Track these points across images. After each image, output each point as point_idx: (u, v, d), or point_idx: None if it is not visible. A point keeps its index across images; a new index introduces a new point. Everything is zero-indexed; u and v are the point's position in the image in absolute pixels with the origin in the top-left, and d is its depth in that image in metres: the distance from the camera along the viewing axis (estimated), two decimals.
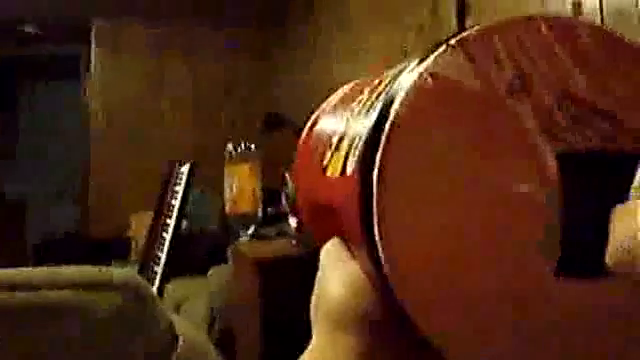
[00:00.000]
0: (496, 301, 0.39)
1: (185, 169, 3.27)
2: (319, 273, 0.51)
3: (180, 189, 3.24)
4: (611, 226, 0.38)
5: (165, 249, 3.22)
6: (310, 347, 0.48)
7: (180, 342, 1.36)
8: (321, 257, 0.52)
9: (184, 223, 3.41)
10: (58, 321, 1.16)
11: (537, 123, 0.40)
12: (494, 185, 0.39)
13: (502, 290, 0.39)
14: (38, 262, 5.81)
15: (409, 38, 3.30)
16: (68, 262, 1.25)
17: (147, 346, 1.28)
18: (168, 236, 3.25)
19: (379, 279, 0.40)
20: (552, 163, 0.39)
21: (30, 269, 1.21)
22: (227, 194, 2.48)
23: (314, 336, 0.49)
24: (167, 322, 1.36)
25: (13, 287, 1.15)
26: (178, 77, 5.84)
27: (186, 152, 4.99)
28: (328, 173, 0.52)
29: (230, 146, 2.43)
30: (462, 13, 2.64)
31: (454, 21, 2.76)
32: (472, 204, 0.39)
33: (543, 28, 0.41)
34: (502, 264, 0.39)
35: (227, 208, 2.48)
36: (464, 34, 0.41)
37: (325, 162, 0.53)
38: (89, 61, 5.88)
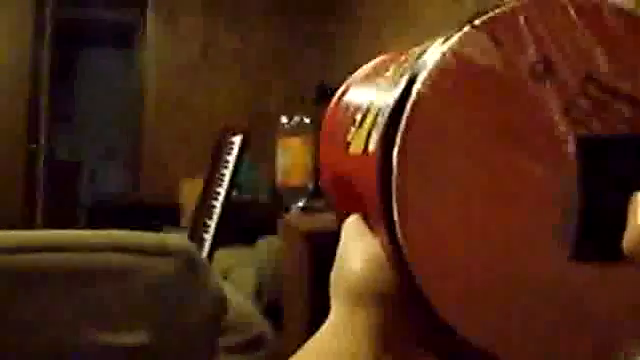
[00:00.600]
0: (511, 283, 0.39)
1: (237, 139, 3.29)
2: (339, 248, 0.51)
3: (232, 159, 3.27)
4: (630, 212, 0.37)
5: (215, 217, 3.26)
6: (328, 320, 0.49)
7: (230, 309, 1.39)
8: (342, 232, 0.52)
9: (235, 192, 3.44)
10: (112, 283, 1.20)
11: (559, 107, 0.39)
12: (512, 167, 0.39)
13: (517, 272, 0.39)
14: (90, 224, 5.92)
15: (467, 12, 3.26)
16: (119, 226, 1.28)
17: (197, 311, 1.32)
18: (218, 205, 3.28)
19: (396, 257, 0.41)
20: (571, 147, 0.39)
21: (87, 232, 1.25)
22: (279, 166, 2.49)
23: (332, 309, 0.49)
24: (218, 289, 1.39)
25: (72, 249, 1.19)
26: (231, 45, 5.86)
27: (237, 120, 5.01)
28: (351, 149, 0.52)
29: (284, 118, 2.43)
30: None
31: None
32: (490, 185, 0.39)
33: (569, 8, 0.40)
34: (517, 246, 0.39)
35: (278, 180, 2.49)
36: (489, 14, 0.40)
37: (349, 138, 0.53)
38: (144, 28, 5.94)
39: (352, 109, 0.57)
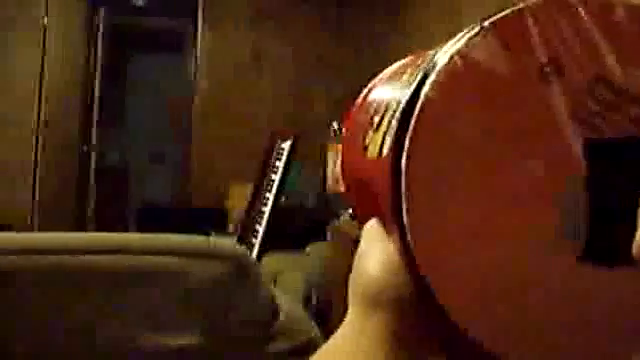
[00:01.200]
0: (521, 284, 0.39)
1: (287, 145, 3.31)
2: (358, 250, 0.52)
3: (281, 164, 3.29)
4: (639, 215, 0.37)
5: (264, 222, 3.28)
6: (345, 321, 0.50)
7: (280, 314, 1.39)
8: (361, 236, 0.53)
9: (283, 198, 3.45)
10: (163, 285, 1.21)
11: (567, 108, 0.39)
12: (520, 169, 0.39)
13: (526, 273, 0.39)
14: (139, 227, 6.00)
15: None
16: (168, 229, 1.29)
17: (248, 315, 1.31)
18: (267, 209, 3.30)
19: (408, 260, 0.41)
20: (579, 149, 0.38)
21: (138, 235, 1.25)
22: (330, 172, 2.49)
23: (349, 311, 0.50)
24: (268, 294, 1.39)
25: (123, 251, 1.19)
26: (279, 51, 5.89)
27: (285, 126, 5.03)
28: (368, 153, 0.51)
29: (335, 124, 2.43)
30: None
31: None
32: (498, 187, 0.39)
33: (579, 8, 0.39)
34: (526, 247, 0.39)
35: (329, 186, 2.49)
36: (498, 16, 0.40)
37: (367, 141, 0.53)
38: (195, 34, 6.01)
39: (371, 111, 0.57)
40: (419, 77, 0.41)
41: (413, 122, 0.39)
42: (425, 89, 0.39)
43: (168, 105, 7.12)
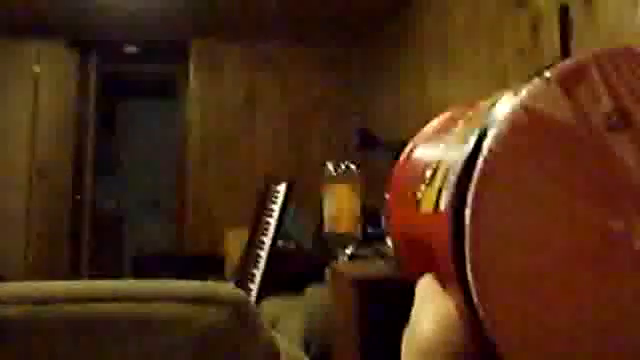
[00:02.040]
0: (597, 350, 0.37)
1: (282, 188, 3.30)
2: (413, 309, 0.50)
3: (276, 208, 3.28)
4: None
5: (261, 266, 3.26)
6: None
7: (281, 359, 1.37)
8: (415, 292, 0.51)
9: (279, 241, 3.44)
10: (165, 332, 1.19)
11: (636, 158, 0.37)
12: (591, 224, 0.37)
13: (604, 338, 0.37)
14: (135, 274, 5.97)
15: (509, 60, 3.25)
16: (164, 275, 1.27)
17: None
18: (264, 254, 3.29)
19: (472, 320, 0.39)
20: None
21: (137, 282, 1.24)
22: (326, 213, 2.48)
23: None
24: (269, 339, 1.37)
25: (122, 298, 1.18)
26: (272, 94, 5.94)
27: (280, 167, 5.05)
28: (422, 208, 0.50)
29: (330, 165, 2.43)
30: (565, 33, 2.58)
31: (556, 41, 2.70)
32: (569, 244, 0.37)
33: None
34: (603, 310, 0.37)
35: (326, 227, 2.48)
36: (559, 66, 0.39)
37: (419, 196, 0.51)
38: (186, 79, 6.05)
39: (421, 166, 0.55)
40: (478, 130, 0.41)
41: (476, 176, 0.38)
42: (487, 142, 0.38)
43: (162, 151, 7.13)
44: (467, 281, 0.38)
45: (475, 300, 0.37)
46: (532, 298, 0.37)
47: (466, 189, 0.38)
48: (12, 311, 1.08)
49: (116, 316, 1.15)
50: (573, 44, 2.61)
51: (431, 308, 0.47)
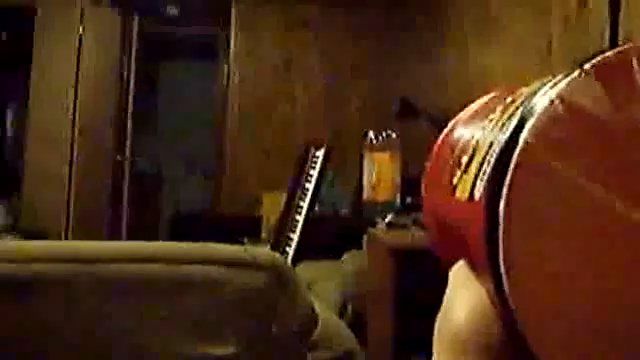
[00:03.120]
0: (625, 341, 0.37)
1: (320, 153, 3.30)
2: (446, 294, 0.50)
3: (315, 173, 3.28)
4: None
5: (297, 231, 3.28)
6: None
7: (319, 324, 1.38)
8: (449, 279, 0.51)
9: (316, 206, 3.45)
10: (205, 294, 1.20)
11: None
12: (625, 217, 0.37)
13: (632, 330, 0.37)
14: (171, 236, 6.04)
15: (554, 29, 3.19)
16: (200, 238, 1.28)
17: (287, 325, 1.30)
18: (301, 218, 3.30)
19: (503, 310, 0.39)
20: None
21: (178, 244, 1.25)
22: (366, 181, 2.48)
23: (435, 358, 0.48)
24: (308, 304, 1.38)
25: (163, 260, 1.19)
26: (310, 59, 5.91)
27: (317, 133, 5.04)
28: (457, 194, 0.50)
29: (371, 133, 2.42)
30: (615, 5, 2.52)
31: (605, 13, 2.64)
32: (602, 236, 0.37)
33: None
34: (631, 300, 0.37)
35: (365, 195, 2.49)
36: (599, 58, 0.38)
37: (455, 181, 0.51)
38: (226, 42, 6.05)
39: (458, 151, 0.55)
40: (515, 121, 0.40)
41: (512, 167, 0.38)
42: (524, 134, 0.38)
43: (201, 113, 7.16)
44: (499, 271, 0.38)
45: (506, 290, 0.37)
46: (563, 289, 0.37)
47: (502, 180, 0.38)
48: (53, 269, 1.10)
49: (156, 277, 1.16)
50: (622, 15, 2.55)
51: (465, 296, 0.47)
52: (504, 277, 0.37)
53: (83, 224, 5.38)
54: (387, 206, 2.44)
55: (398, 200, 2.47)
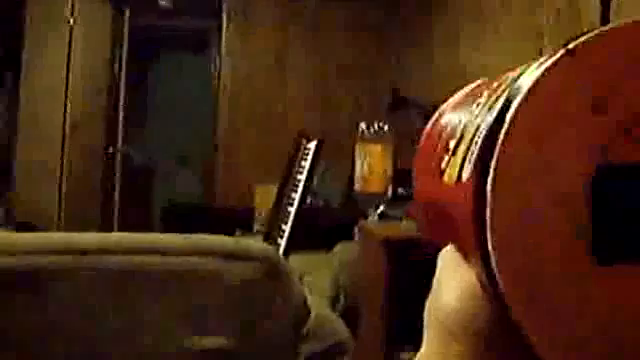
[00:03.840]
0: (609, 313, 0.38)
1: (312, 145, 3.31)
2: (435, 278, 0.51)
3: (306, 164, 3.29)
4: None
5: (289, 222, 3.28)
6: (421, 351, 0.48)
7: (311, 316, 1.39)
8: (438, 263, 0.51)
9: (308, 198, 3.45)
10: (198, 285, 1.21)
11: (602, 142, 0.38)
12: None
13: (615, 305, 0.38)
14: (165, 227, 6.03)
15: (545, 23, 3.19)
16: (192, 230, 1.29)
17: (280, 317, 1.32)
18: (293, 209, 3.30)
19: (491, 289, 0.39)
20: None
21: (172, 235, 1.26)
22: (358, 172, 2.49)
23: (425, 343, 0.48)
24: (300, 296, 1.39)
25: (158, 251, 1.20)
26: (303, 53, 5.91)
27: (310, 126, 5.04)
28: (445, 178, 0.50)
29: (363, 125, 2.43)
30: None
31: (595, 5, 2.65)
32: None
33: None
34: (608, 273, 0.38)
35: (357, 186, 2.49)
36: (583, 38, 0.39)
37: (443, 166, 0.52)
38: (219, 35, 6.04)
39: (445, 136, 0.56)
40: (502, 101, 0.41)
41: (499, 145, 0.38)
42: (510, 112, 0.38)
43: (194, 106, 7.15)
44: (487, 249, 0.38)
45: (494, 268, 0.38)
46: (549, 267, 0.37)
47: (489, 158, 0.38)
48: (48, 261, 1.10)
49: (151, 269, 1.17)
50: (613, 7, 2.56)
51: (454, 279, 0.47)
52: (492, 255, 0.38)
53: (75, 218, 5.37)
54: (379, 197, 2.45)
55: (390, 191, 2.48)
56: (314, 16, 5.90)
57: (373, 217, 2.45)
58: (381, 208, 2.45)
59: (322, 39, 5.90)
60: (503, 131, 0.38)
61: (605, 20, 2.45)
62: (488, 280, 0.39)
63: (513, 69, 0.50)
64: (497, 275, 0.38)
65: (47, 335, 1.09)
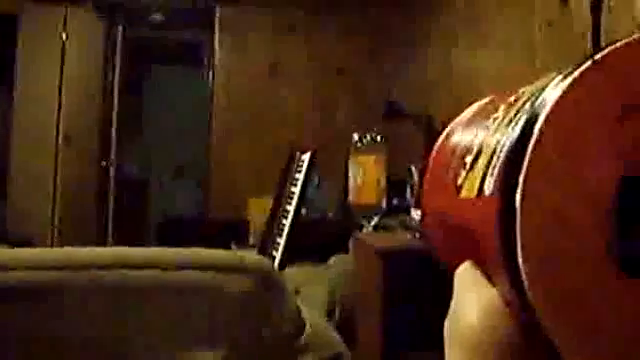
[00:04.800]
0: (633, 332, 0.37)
1: (306, 157, 3.31)
2: (453, 297, 0.50)
3: (301, 177, 3.29)
4: None
5: (284, 234, 3.28)
6: None
7: (306, 328, 1.39)
8: (455, 281, 0.51)
9: (303, 210, 3.45)
10: (192, 299, 1.21)
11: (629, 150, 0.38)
12: None
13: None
14: (158, 241, 6.02)
15: (537, 32, 3.21)
16: (188, 242, 1.29)
17: (274, 329, 1.31)
18: (287, 222, 3.30)
19: (521, 306, 0.39)
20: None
21: (166, 249, 1.26)
22: (352, 184, 2.49)
23: None
24: (295, 308, 1.39)
25: (152, 266, 1.20)
26: (296, 62, 5.91)
27: (304, 137, 5.05)
28: (462, 193, 0.50)
29: (356, 136, 2.43)
30: (597, 7, 2.54)
31: (586, 15, 2.66)
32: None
33: None
34: None
35: (351, 197, 2.49)
36: (609, 48, 0.38)
37: (459, 182, 0.51)
38: (211, 47, 6.04)
39: (460, 152, 0.55)
40: (527, 113, 0.40)
41: (528, 158, 0.38)
42: (538, 125, 0.38)
43: (187, 119, 7.15)
44: (515, 264, 0.37)
45: (524, 283, 0.37)
46: (584, 280, 0.37)
47: (516, 172, 0.38)
48: (42, 276, 1.10)
49: (145, 283, 1.17)
50: (604, 18, 2.57)
51: (474, 296, 0.46)
52: (522, 269, 0.37)
53: (69, 230, 5.36)
54: (373, 209, 2.44)
55: (384, 202, 2.48)
56: (307, 25, 5.91)
57: (367, 228, 2.44)
58: (375, 219, 2.45)
59: (316, 48, 5.91)
60: (531, 144, 0.38)
61: (596, 30, 2.46)
62: (516, 294, 0.39)
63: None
64: (527, 289, 0.37)
65: (44, 351, 1.09)
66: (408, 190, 2.52)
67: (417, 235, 2.24)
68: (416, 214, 2.36)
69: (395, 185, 2.75)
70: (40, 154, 5.36)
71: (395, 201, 2.80)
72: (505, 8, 3.64)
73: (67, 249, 1.19)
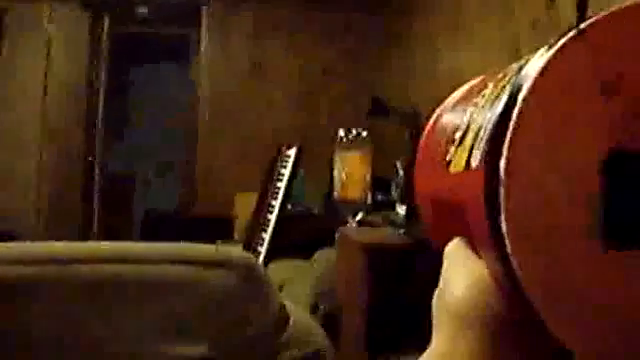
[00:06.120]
0: (631, 303, 0.37)
1: (292, 152, 3.31)
2: (442, 273, 0.50)
3: (286, 172, 3.29)
4: None
5: (269, 230, 3.28)
6: (431, 347, 0.48)
7: (290, 323, 1.39)
8: (444, 256, 0.51)
9: (288, 205, 3.45)
10: (176, 294, 1.21)
11: (610, 126, 0.38)
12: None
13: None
14: (143, 236, 6.00)
15: (522, 32, 3.21)
16: (172, 238, 1.29)
17: (258, 324, 1.31)
18: (272, 217, 3.30)
19: (507, 278, 0.39)
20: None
21: (148, 244, 1.25)
22: (336, 179, 2.48)
23: (435, 336, 0.48)
24: (279, 303, 1.39)
25: (133, 260, 1.19)
26: (282, 59, 5.91)
27: (289, 133, 5.04)
28: (451, 168, 0.50)
29: (341, 131, 2.43)
30: (582, 6, 2.54)
31: (572, 13, 2.66)
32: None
33: None
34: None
35: (336, 193, 2.49)
36: (592, 19, 0.39)
37: (448, 157, 0.51)
38: (198, 44, 6.03)
39: (450, 130, 0.55)
40: (511, 86, 0.41)
41: (511, 127, 0.38)
42: (521, 94, 0.38)
43: (173, 115, 7.13)
44: (500, 236, 0.38)
45: (509, 253, 0.37)
46: (568, 251, 0.37)
47: (500, 143, 0.38)
48: (23, 270, 1.09)
49: (127, 278, 1.16)
50: (589, 14, 2.57)
51: (462, 271, 0.47)
52: (506, 237, 0.37)
53: (54, 227, 5.34)
54: (358, 204, 2.44)
55: (369, 198, 2.48)
56: (292, 23, 5.90)
57: (352, 224, 2.44)
58: (360, 215, 2.45)
59: (301, 46, 5.91)
60: (515, 113, 0.38)
61: None
62: (501, 264, 0.39)
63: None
64: (511, 257, 0.37)
65: (22, 346, 1.08)
66: (393, 186, 2.52)
67: (401, 231, 2.25)
68: (401, 209, 2.36)
69: (380, 181, 2.75)
70: (24, 151, 5.33)
71: (380, 197, 2.80)
72: (490, 7, 3.64)
73: (45, 243, 1.18)
